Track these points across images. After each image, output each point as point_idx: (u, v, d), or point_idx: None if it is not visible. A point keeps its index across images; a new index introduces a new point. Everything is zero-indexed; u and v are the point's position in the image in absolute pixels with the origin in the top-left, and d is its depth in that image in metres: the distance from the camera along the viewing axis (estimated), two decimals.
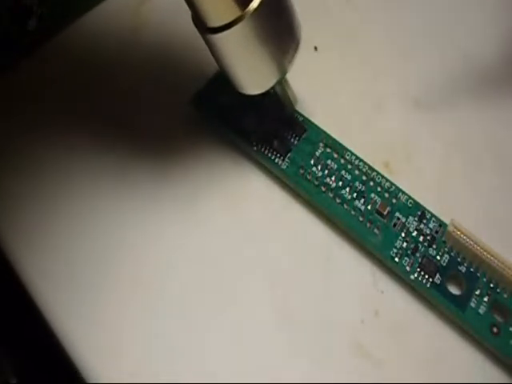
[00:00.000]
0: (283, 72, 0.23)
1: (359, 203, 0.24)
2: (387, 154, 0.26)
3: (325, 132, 0.26)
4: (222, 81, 0.24)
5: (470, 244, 0.22)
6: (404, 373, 0.23)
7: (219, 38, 0.21)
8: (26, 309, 0.25)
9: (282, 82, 0.24)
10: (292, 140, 0.26)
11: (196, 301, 0.24)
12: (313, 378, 0.23)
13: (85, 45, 0.29)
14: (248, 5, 0.20)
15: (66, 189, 0.26)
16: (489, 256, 0.22)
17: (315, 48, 0.29)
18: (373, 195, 0.24)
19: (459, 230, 0.23)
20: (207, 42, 0.21)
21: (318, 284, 0.24)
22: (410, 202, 0.24)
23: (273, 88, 0.24)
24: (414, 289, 0.24)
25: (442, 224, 0.24)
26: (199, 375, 0.23)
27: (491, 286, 0.23)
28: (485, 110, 0.27)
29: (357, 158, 0.25)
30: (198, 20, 0.21)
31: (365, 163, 0.25)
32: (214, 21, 0.20)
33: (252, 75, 0.23)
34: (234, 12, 0.20)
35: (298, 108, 0.26)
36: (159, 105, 0.28)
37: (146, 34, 0.29)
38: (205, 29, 0.21)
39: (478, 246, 0.22)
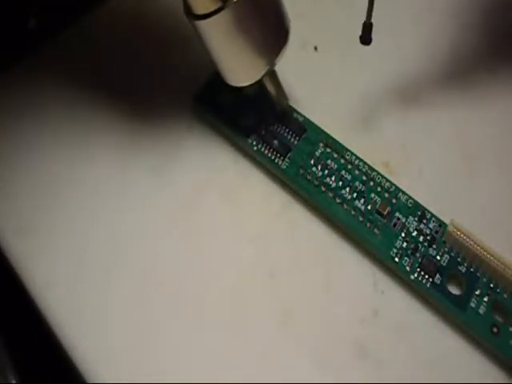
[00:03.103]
0: (270, 63, 0.23)
1: (359, 203, 0.24)
2: (387, 154, 0.26)
3: (325, 132, 0.26)
4: (222, 80, 0.24)
5: (470, 244, 0.23)
6: (404, 373, 0.23)
7: (205, 25, 0.21)
8: (26, 308, 0.25)
9: (271, 76, 0.24)
10: (292, 140, 0.26)
11: (195, 301, 0.24)
12: (313, 378, 0.23)
13: (84, 45, 0.29)
14: None
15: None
16: (489, 256, 0.22)
17: (315, 48, 0.29)
18: (373, 195, 0.24)
19: (459, 230, 0.23)
20: (196, 30, 0.22)
21: (318, 284, 0.24)
22: (410, 202, 0.24)
23: (262, 82, 0.24)
24: (414, 289, 0.24)
25: (441, 224, 0.24)
26: (200, 375, 0.23)
27: (491, 286, 0.23)
28: (484, 109, 0.27)
29: (357, 157, 0.25)
30: (187, 8, 0.21)
31: (365, 163, 0.25)
32: (200, 8, 0.21)
33: (238, 65, 0.23)
34: (218, 0, 0.20)
35: (298, 108, 0.26)
36: (159, 104, 0.28)
37: (146, 34, 0.29)
38: (192, 16, 0.21)
39: (478, 245, 0.22)
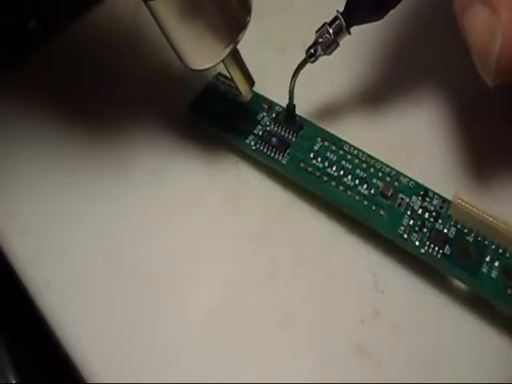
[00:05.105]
0: (233, 42, 0.23)
1: (362, 189, 0.25)
2: (387, 153, 0.26)
3: (322, 128, 0.26)
4: (219, 84, 0.25)
5: (476, 212, 0.23)
6: (404, 373, 0.22)
7: (159, 4, 0.20)
8: (26, 308, 0.24)
9: (234, 56, 0.24)
10: (290, 137, 0.26)
11: (195, 301, 0.24)
12: (313, 378, 0.22)
13: (84, 46, 0.30)
14: None
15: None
16: (495, 221, 0.23)
17: None
18: (375, 180, 0.25)
19: (463, 200, 0.23)
20: (152, 13, 0.21)
21: (318, 284, 0.24)
22: (412, 184, 0.25)
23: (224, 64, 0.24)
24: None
25: (445, 200, 0.24)
26: (199, 375, 0.22)
27: (500, 251, 0.23)
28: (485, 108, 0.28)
29: (355, 148, 0.25)
30: None
31: (363, 152, 0.25)
32: None
33: (198, 46, 0.22)
34: None
35: (297, 107, 0.26)
36: (157, 107, 0.28)
37: (145, 35, 0.30)
38: None
39: (484, 213, 0.23)
